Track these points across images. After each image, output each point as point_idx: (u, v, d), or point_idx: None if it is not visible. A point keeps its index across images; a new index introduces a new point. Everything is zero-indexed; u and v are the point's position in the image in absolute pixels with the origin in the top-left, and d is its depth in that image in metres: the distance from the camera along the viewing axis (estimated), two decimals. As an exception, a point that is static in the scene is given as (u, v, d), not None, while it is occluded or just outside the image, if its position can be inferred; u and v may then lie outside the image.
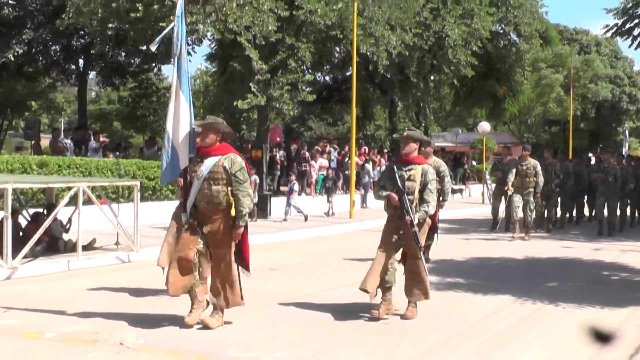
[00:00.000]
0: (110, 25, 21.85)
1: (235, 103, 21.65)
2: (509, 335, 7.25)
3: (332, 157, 24.41)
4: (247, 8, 20.05)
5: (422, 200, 7.51)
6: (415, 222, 7.37)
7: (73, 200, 11.54)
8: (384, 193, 7.62)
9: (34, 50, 30.50)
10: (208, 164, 6.91)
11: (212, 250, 7.09)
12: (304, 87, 24.25)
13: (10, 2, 29.58)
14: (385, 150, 28.92)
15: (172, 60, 7.65)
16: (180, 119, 7.26)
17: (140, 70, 33.56)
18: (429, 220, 7.90)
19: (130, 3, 19.95)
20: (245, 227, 7.02)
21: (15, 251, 10.39)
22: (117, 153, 22.25)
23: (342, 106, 32.27)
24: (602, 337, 5.57)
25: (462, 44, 27.12)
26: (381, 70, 25.11)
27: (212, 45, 27.23)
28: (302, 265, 11.05)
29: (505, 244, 15.27)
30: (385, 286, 7.71)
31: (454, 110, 41.19)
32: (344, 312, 8.19)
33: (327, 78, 31.62)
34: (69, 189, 11.51)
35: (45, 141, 29.90)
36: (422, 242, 7.59)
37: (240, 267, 7.24)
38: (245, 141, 23.77)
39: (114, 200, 14.22)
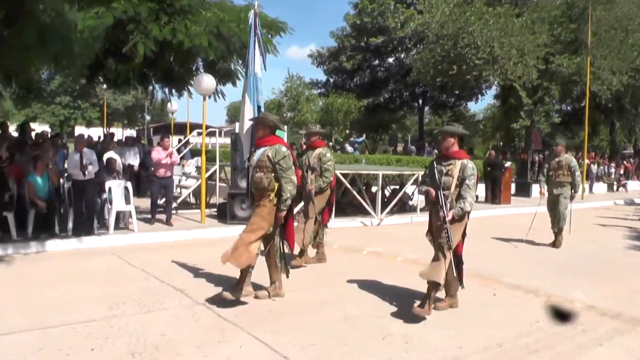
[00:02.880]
0: (437, 79, 23.78)
1: (512, 125, 22.30)
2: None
3: (571, 159, 23.79)
4: (519, 65, 20.76)
5: (459, 196, 4.86)
6: (449, 218, 4.78)
7: (415, 182, 11.72)
8: (424, 188, 5.09)
9: (393, 95, 33.76)
10: (258, 154, 5.30)
11: (252, 218, 5.35)
12: (554, 114, 23.91)
13: (380, 69, 33.85)
14: (606, 155, 27.43)
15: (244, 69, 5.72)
16: (245, 117, 5.81)
17: (454, 105, 35.17)
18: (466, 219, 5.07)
19: (449, 65, 21.79)
20: (289, 210, 5.32)
21: (382, 209, 11.24)
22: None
23: (578, 126, 30.80)
24: (561, 315, 5.00)
25: (663, 81, 24.26)
26: (604, 102, 24.00)
27: (497, 89, 27.42)
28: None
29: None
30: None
31: (655, 128, 36.89)
32: (535, 258, 7.85)
33: (568, 107, 30.64)
34: (412, 175, 11.92)
35: (399, 147, 33.41)
36: (455, 240, 4.90)
37: (285, 244, 5.53)
38: (517, 148, 24.64)
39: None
